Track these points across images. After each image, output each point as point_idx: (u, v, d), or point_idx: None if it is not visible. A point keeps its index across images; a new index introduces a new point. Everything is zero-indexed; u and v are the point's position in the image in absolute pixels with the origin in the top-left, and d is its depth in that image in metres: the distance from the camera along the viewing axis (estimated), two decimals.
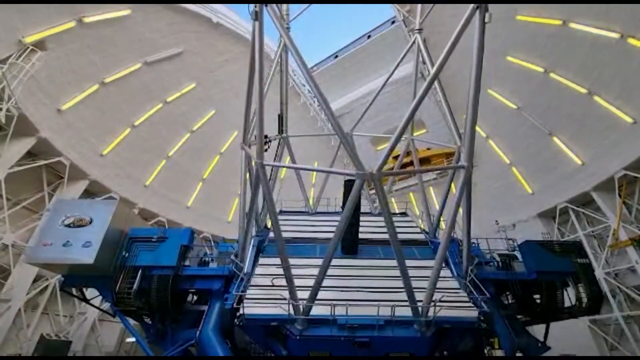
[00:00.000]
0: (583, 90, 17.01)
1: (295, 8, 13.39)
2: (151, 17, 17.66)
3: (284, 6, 12.25)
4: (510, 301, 10.17)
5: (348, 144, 7.00)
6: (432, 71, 7.13)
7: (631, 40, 14.52)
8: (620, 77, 15.72)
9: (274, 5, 7.26)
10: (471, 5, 6.67)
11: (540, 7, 17.01)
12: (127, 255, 8.52)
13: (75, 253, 7.73)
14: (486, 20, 6.70)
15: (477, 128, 23.17)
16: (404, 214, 14.98)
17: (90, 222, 8.09)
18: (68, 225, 7.98)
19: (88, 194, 18.27)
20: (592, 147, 17.65)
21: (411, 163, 20.24)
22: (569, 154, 18.68)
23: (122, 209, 9.16)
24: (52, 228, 8.06)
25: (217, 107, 23.27)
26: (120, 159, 19.56)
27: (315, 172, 28.33)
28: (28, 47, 13.76)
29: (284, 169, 21.16)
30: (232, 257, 9.07)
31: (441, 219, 11.97)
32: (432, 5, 11.84)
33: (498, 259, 10.14)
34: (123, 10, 16.32)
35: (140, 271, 8.35)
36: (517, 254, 10.23)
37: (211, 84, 22.23)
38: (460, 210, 8.13)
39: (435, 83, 10.30)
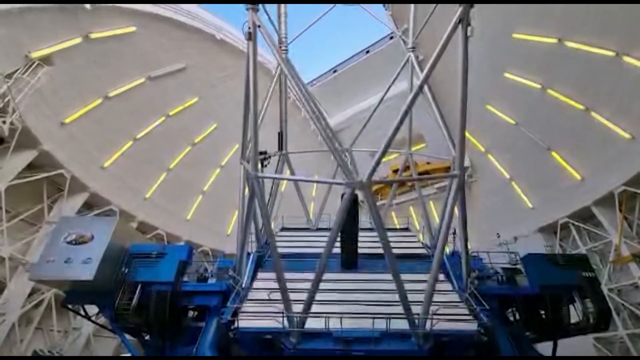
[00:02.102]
0: (580, 107, 17.25)
1: (293, 29, 13.59)
2: (155, 33, 18.08)
3: (282, 28, 12.56)
4: (516, 317, 9.96)
5: (338, 154, 7.10)
6: (419, 82, 7.36)
7: (626, 59, 14.83)
8: (616, 94, 15.97)
9: (273, 9, 7.46)
10: (453, 21, 6.94)
11: (536, 24, 17.45)
12: (126, 271, 8.50)
13: (76, 270, 7.74)
14: (468, 34, 6.96)
15: (476, 142, 23.64)
16: (406, 229, 14.99)
17: (92, 239, 8.12)
18: (70, 242, 8.03)
19: (87, 206, 18.22)
20: (591, 163, 17.75)
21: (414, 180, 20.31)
22: (568, 169, 18.77)
23: (122, 225, 9.23)
24: (55, 245, 8.14)
25: (218, 120, 23.52)
26: (121, 172, 19.61)
27: (315, 187, 28.37)
28: (34, 62, 14.03)
29: (285, 185, 21.20)
30: (230, 271, 9.00)
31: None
32: (424, 24, 12.10)
33: (501, 272, 9.97)
34: (129, 27, 16.74)
35: (139, 287, 8.30)
36: (521, 267, 10.08)
37: (213, 98, 22.56)
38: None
39: (430, 97, 10.54)
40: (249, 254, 10.37)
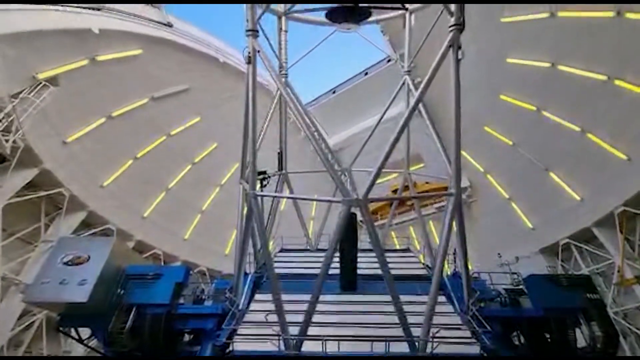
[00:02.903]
0: (576, 128, 17.53)
1: (293, 48, 13.96)
2: (161, 56, 18.61)
3: (282, 54, 12.97)
4: (521, 341, 9.67)
5: (334, 172, 7.18)
6: (411, 104, 7.63)
7: (618, 82, 15.23)
8: (611, 116, 16.29)
9: (274, 34, 7.78)
10: (444, 46, 7.46)
11: (528, 50, 18.02)
12: (122, 293, 8.34)
13: (70, 292, 7.58)
14: (459, 57, 7.48)
15: (475, 163, 23.81)
16: (406, 250, 14.89)
17: (88, 260, 8.04)
18: (66, 263, 7.95)
19: (85, 225, 18.07)
20: (590, 183, 17.83)
21: (409, 198, 20.23)
22: (567, 190, 18.82)
23: (120, 245, 9.18)
24: (51, 266, 8.05)
25: (219, 140, 23.76)
26: (120, 191, 19.59)
27: (315, 206, 28.35)
28: (41, 83, 14.33)
29: (284, 204, 21.19)
30: (227, 292, 8.85)
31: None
32: (418, 49, 12.46)
33: (504, 293, 9.77)
34: (135, 50, 17.25)
35: (134, 309, 8.11)
36: (524, 288, 9.88)
37: (215, 118, 22.90)
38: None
39: (426, 117, 10.82)
40: (247, 274, 10.22)
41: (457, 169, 7.87)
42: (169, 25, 18.69)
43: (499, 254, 20.01)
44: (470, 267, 8.92)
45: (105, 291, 8.19)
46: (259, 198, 8.45)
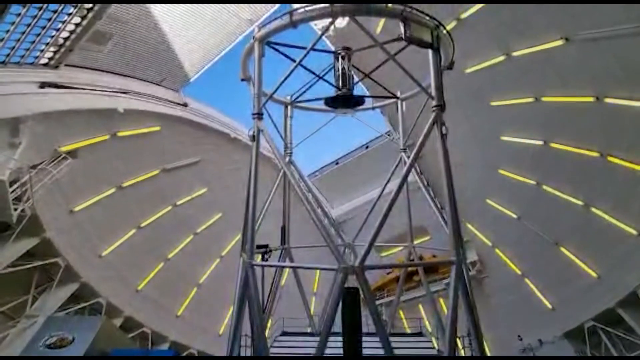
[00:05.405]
0: (579, 202, 17.54)
1: (298, 124, 14.96)
2: (177, 132, 20.01)
3: (288, 136, 13.93)
4: None
5: (332, 242, 7.10)
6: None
7: (611, 158, 15.76)
8: (611, 190, 16.44)
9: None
10: (429, 123, 8.14)
11: (520, 129, 19.11)
12: None
13: None
14: (444, 132, 8.10)
15: (482, 236, 23.26)
16: (419, 334, 13.78)
17: (72, 342, 7.49)
18: (49, 346, 7.41)
19: (74, 298, 17.03)
20: (603, 259, 17.10)
21: (416, 273, 19.38)
22: (582, 266, 17.96)
23: (107, 326, 8.64)
24: (33, 349, 7.48)
25: (223, 210, 23.93)
26: (118, 261, 19.06)
27: (317, 281, 27.17)
28: (61, 155, 15.12)
29: (284, 280, 20.33)
30: None
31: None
32: (411, 128, 13.38)
33: None
34: (153, 127, 18.67)
35: None
36: None
37: (221, 189, 23.48)
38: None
39: (423, 188, 11.08)
40: None
41: (456, 234, 7.71)
42: (185, 105, 20.67)
43: (519, 336, 18.16)
44: (488, 352, 8.03)
45: None
46: (257, 269, 8.13)
